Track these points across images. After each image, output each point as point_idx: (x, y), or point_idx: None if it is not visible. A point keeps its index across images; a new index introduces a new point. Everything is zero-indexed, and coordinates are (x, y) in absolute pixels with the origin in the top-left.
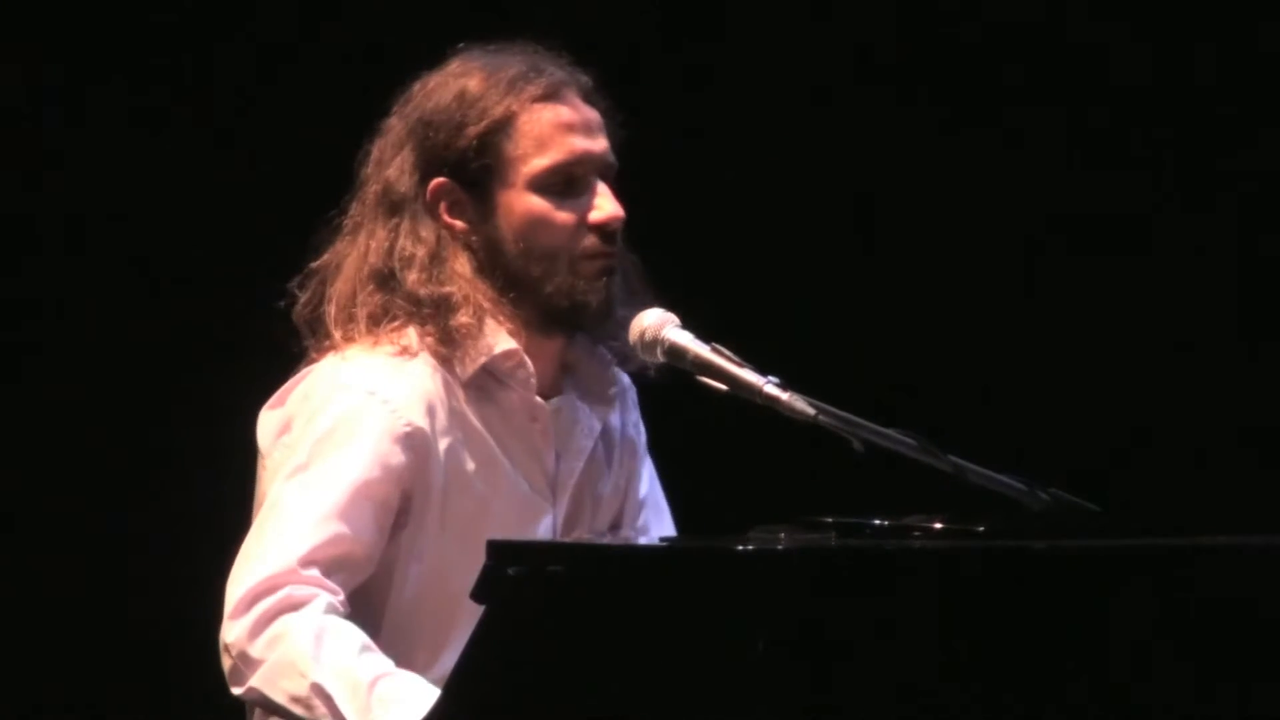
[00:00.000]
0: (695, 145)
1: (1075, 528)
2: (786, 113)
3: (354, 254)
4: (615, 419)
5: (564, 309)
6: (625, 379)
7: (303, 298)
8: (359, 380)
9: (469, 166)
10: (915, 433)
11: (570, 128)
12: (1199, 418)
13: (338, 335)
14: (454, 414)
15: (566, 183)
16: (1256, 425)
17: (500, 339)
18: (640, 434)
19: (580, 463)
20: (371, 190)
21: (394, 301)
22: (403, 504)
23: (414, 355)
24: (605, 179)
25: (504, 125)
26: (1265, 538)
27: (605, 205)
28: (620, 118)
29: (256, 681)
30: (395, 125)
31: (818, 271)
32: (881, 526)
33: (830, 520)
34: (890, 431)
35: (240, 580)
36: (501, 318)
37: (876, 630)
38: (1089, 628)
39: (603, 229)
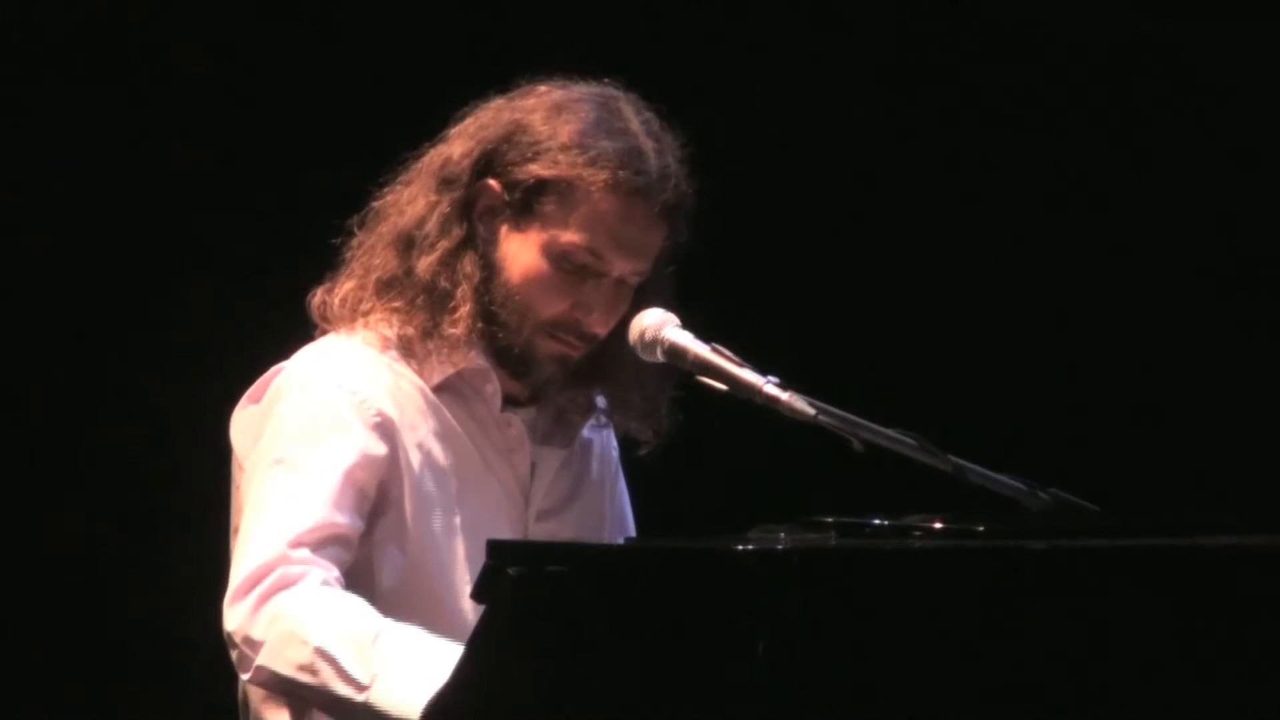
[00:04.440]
0: (694, 144)
1: (1075, 528)
2: (785, 111)
3: (395, 210)
4: (590, 435)
5: (515, 358)
6: (600, 399)
7: (359, 235)
8: (328, 375)
9: (517, 191)
10: (915, 433)
11: (614, 237)
12: (1199, 417)
13: (344, 288)
14: (426, 407)
15: (580, 268)
16: (1257, 425)
17: (472, 354)
18: (614, 451)
19: (553, 473)
20: (439, 154)
21: (399, 277)
22: (379, 493)
23: (384, 350)
24: (619, 289)
25: (565, 188)
26: (1265, 538)
27: (594, 312)
28: (686, 234)
29: (262, 659)
30: (493, 109)
31: (817, 271)
32: (881, 526)
33: (830, 520)
34: (890, 431)
35: (235, 571)
36: (479, 334)
37: (876, 630)
38: (1089, 628)
39: (578, 326)
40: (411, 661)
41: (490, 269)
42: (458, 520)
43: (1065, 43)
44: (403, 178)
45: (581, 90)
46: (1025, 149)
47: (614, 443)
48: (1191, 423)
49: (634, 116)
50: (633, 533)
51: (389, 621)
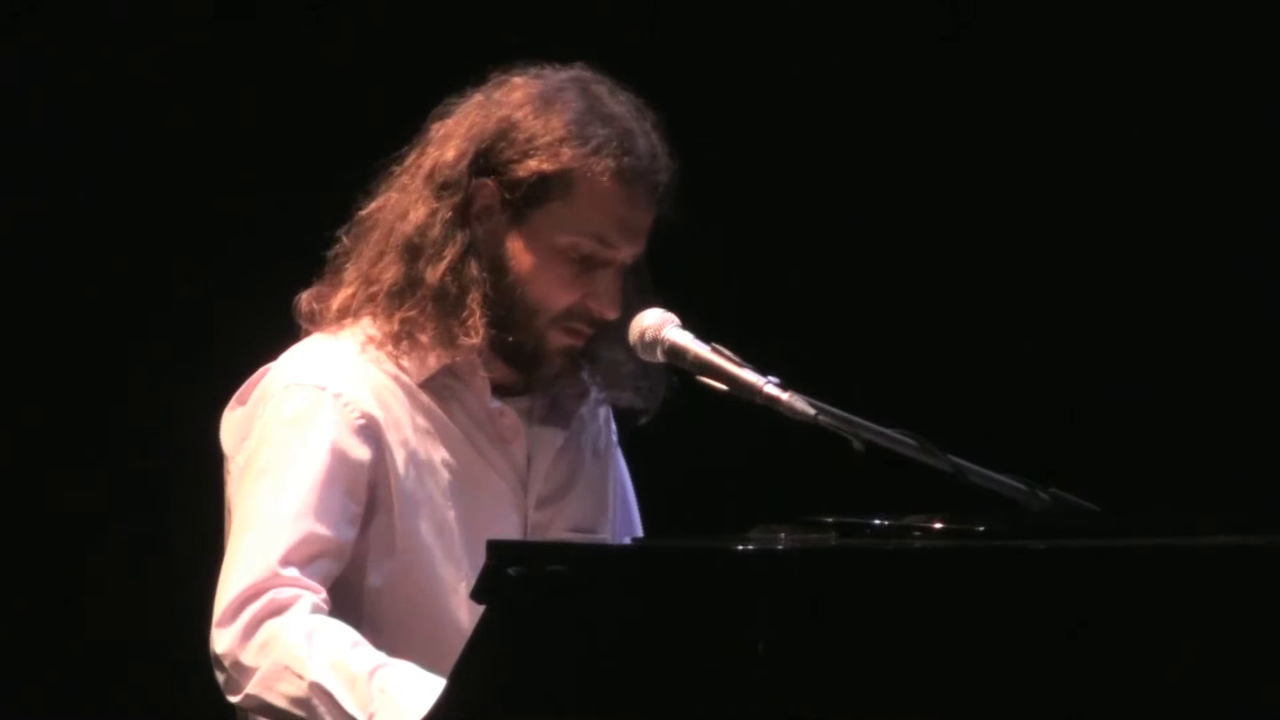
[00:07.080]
0: (693, 142)
1: (1075, 528)
2: (783, 110)
3: (393, 217)
4: (586, 418)
5: (527, 355)
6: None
7: (347, 243)
8: (311, 377)
9: (519, 189)
10: (915, 433)
11: (621, 223)
12: (1199, 417)
13: (341, 295)
14: (414, 405)
15: (586, 258)
16: (1257, 425)
17: (463, 349)
18: (612, 433)
19: (550, 459)
20: (429, 158)
21: (405, 287)
22: (370, 495)
23: (369, 348)
24: (619, 273)
25: (567, 181)
26: (1265, 538)
27: (604, 299)
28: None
29: (253, 689)
30: (477, 108)
31: (817, 271)
32: (881, 526)
33: (830, 520)
34: (890, 431)
35: (223, 590)
36: (488, 340)
37: (876, 630)
38: (1089, 628)
39: (589, 314)
40: (408, 698)
41: (495, 270)
42: (451, 515)
43: (1063, 42)
44: (394, 183)
45: (559, 78)
46: (1025, 147)
47: (613, 428)
48: (1191, 422)
49: (613, 100)
50: (636, 513)
51: (383, 655)
